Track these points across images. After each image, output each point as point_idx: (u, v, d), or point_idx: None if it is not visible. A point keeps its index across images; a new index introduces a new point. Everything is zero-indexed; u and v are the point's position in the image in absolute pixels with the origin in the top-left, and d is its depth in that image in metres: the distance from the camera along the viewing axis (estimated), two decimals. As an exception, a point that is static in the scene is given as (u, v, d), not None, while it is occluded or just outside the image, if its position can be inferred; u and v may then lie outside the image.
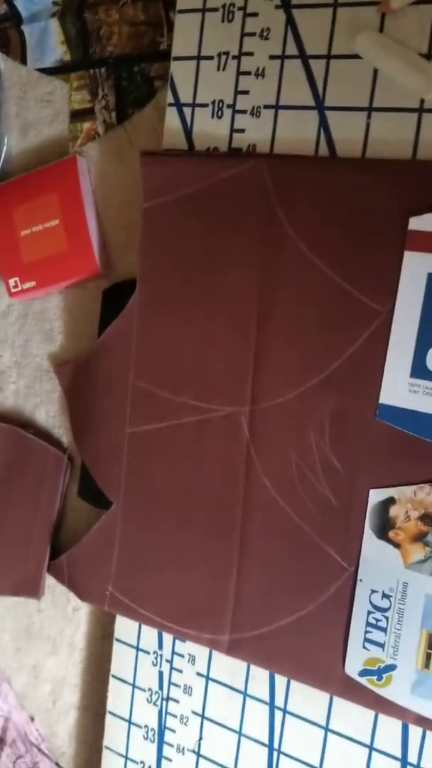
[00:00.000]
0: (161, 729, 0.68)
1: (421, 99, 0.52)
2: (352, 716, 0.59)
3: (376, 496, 0.56)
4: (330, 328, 0.56)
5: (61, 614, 0.75)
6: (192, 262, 0.61)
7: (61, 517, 0.73)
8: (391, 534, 0.56)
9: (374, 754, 0.59)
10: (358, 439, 0.56)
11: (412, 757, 0.57)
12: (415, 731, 0.57)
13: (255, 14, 0.57)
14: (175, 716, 0.67)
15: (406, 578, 0.55)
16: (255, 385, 0.59)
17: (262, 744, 0.63)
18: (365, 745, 0.59)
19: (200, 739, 0.66)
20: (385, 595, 0.56)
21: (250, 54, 0.58)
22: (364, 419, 0.56)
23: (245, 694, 0.64)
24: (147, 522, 0.65)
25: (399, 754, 0.58)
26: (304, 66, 0.56)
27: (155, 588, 0.65)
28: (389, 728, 0.58)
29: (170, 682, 0.67)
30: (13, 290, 0.70)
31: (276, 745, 0.63)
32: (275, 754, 0.63)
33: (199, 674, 0.66)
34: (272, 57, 0.57)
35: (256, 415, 0.59)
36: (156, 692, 0.68)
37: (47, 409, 0.74)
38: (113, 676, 0.70)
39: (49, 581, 0.73)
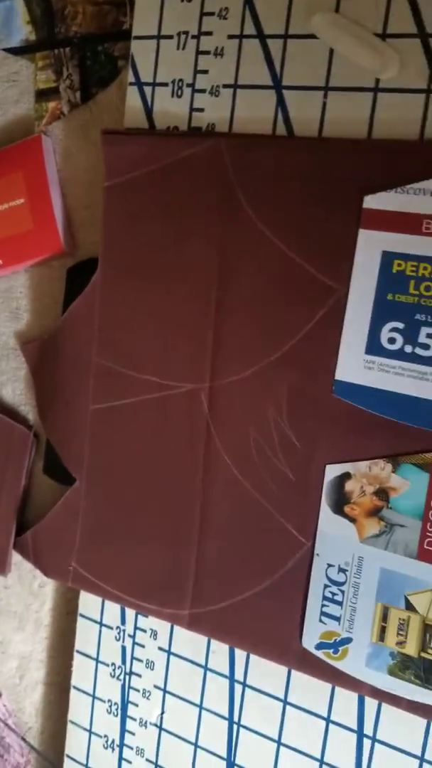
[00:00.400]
0: (124, 703, 0.69)
1: (376, 78, 0.53)
2: (309, 689, 0.60)
3: (332, 471, 0.56)
4: (287, 306, 0.57)
5: (27, 590, 0.76)
6: (153, 241, 0.61)
7: (27, 494, 0.74)
8: (346, 509, 0.56)
9: (331, 726, 0.59)
10: (314, 415, 0.57)
11: (368, 729, 0.58)
12: (370, 703, 0.58)
13: (214, -7, 0.58)
14: (137, 690, 0.68)
15: (361, 552, 0.56)
16: (214, 362, 0.60)
17: (223, 717, 0.64)
18: (322, 718, 0.60)
19: (162, 712, 0.67)
20: (341, 569, 0.57)
21: (209, 33, 0.58)
22: (321, 395, 0.56)
23: (206, 668, 0.64)
24: (109, 498, 0.65)
25: (355, 726, 0.58)
26: (262, 45, 0.56)
27: (117, 563, 0.66)
28: (346, 701, 0.59)
29: (133, 657, 0.68)
30: (-21, 269, 0.70)
31: (236, 719, 0.63)
32: (235, 727, 0.63)
33: (161, 649, 0.66)
34: (231, 36, 0.57)
35: (215, 391, 0.60)
36: (119, 667, 0.68)
37: (13, 386, 0.74)
38: (77, 651, 0.70)
39: (16, 558, 0.73)
